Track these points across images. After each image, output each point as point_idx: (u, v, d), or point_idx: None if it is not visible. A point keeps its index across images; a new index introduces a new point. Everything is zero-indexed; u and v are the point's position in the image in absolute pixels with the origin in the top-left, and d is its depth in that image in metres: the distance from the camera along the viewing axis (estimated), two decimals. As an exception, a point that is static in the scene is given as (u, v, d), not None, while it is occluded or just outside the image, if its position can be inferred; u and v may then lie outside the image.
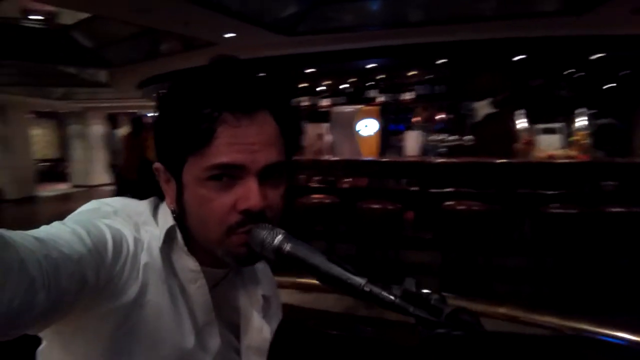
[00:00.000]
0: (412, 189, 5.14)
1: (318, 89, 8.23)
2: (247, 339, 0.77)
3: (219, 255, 0.67)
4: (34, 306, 0.45)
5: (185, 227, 0.69)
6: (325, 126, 5.44)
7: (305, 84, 7.97)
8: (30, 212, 9.79)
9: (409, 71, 6.62)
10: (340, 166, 5.27)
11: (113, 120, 13.93)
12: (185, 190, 0.66)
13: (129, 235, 0.63)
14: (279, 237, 0.61)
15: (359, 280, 0.58)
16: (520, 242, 4.26)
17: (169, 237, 0.68)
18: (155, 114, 0.68)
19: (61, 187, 13.34)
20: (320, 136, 5.34)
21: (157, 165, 0.70)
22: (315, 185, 5.46)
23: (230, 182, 0.63)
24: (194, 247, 0.69)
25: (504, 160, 4.78)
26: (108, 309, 0.59)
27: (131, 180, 6.25)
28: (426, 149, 5.67)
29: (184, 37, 5.57)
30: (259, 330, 0.77)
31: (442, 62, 5.96)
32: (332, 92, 8.15)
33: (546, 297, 3.48)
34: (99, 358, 0.61)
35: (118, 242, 0.61)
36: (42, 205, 10.78)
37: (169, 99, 0.67)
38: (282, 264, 0.64)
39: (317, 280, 0.63)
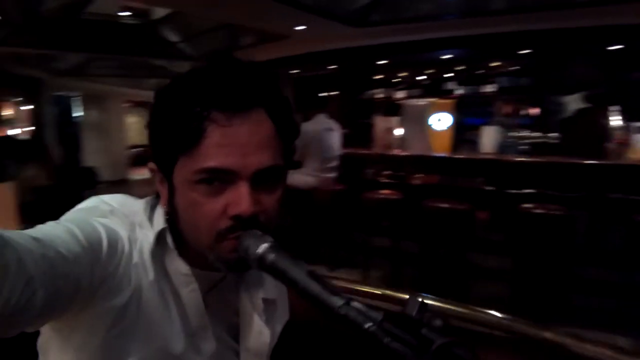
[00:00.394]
0: (487, 188, 4.83)
1: (393, 80, 8.05)
2: (246, 342, 0.76)
3: (210, 260, 0.65)
4: (32, 305, 0.46)
5: (177, 229, 0.68)
6: (395, 120, 5.28)
7: (380, 76, 7.82)
8: (122, 192, 10.67)
9: (491, 62, 6.21)
10: (409, 161, 5.10)
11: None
12: (176, 192, 0.65)
13: (124, 235, 0.64)
14: (264, 246, 0.58)
15: (336, 301, 0.52)
16: (607, 252, 3.85)
17: (160, 239, 0.67)
18: (150, 112, 0.67)
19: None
20: (389, 130, 5.20)
21: (151, 164, 0.69)
22: (383, 180, 5.34)
23: (221, 186, 0.62)
24: (187, 250, 0.68)
25: (595, 161, 4.33)
26: (102, 308, 0.60)
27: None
28: (505, 146, 5.30)
29: (258, 31, 5.69)
30: (259, 333, 0.76)
31: (528, 53, 5.51)
32: (408, 84, 7.92)
33: (633, 318, 3.10)
34: (93, 355, 0.62)
35: (113, 242, 0.61)
36: (133, 187, 11.71)
37: (163, 96, 0.65)
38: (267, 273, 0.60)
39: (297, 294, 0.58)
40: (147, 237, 0.66)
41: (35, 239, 0.49)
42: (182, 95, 0.63)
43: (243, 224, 0.61)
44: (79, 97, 11.41)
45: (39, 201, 4.72)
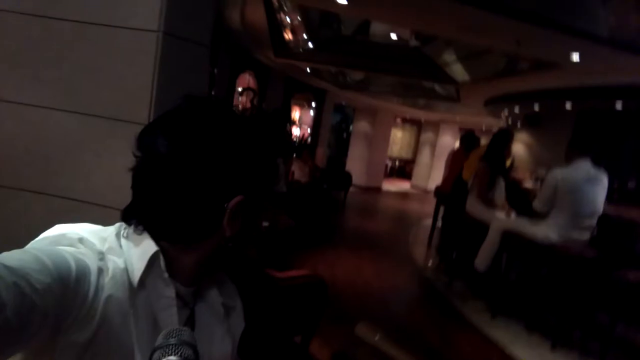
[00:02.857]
0: None
1: None
2: (209, 354, 0.75)
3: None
4: (4, 332, 0.46)
5: (168, 251, 0.69)
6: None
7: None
8: (373, 200, 11.49)
9: None
10: None
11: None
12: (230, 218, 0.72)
13: (92, 265, 0.61)
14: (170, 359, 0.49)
15: None
16: None
17: (151, 263, 0.66)
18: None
19: (403, 185, 15.00)
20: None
21: (237, 199, 0.70)
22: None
23: None
24: (176, 269, 0.70)
25: None
26: (68, 341, 0.58)
27: (444, 194, 6.33)
28: None
29: (528, 58, 5.11)
30: (221, 342, 0.78)
31: None
32: None
33: None
34: None
35: (81, 273, 0.59)
36: (383, 197, 12.43)
37: (237, 141, 0.71)
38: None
39: None
40: (117, 265, 0.64)
41: (7, 267, 0.49)
42: (262, 143, 0.73)
43: None
44: (353, 109, 12.80)
45: (291, 194, 5.46)
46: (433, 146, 14.52)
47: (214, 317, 0.78)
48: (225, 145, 0.68)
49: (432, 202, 7.41)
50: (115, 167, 1.48)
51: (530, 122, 7.98)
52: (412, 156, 16.47)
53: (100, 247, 0.65)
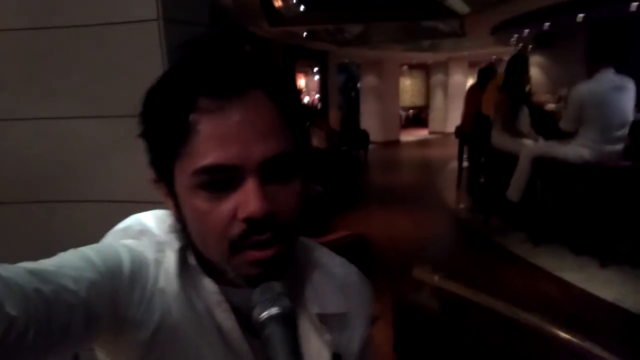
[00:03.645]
0: None
1: None
2: None
3: (230, 277, 0.56)
4: (25, 344, 0.42)
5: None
6: None
7: None
8: (393, 153, 11.40)
9: None
10: None
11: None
12: (180, 202, 0.56)
13: (150, 257, 0.59)
14: (271, 312, 0.47)
15: None
16: None
17: (182, 257, 0.60)
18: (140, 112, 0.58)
19: (421, 133, 14.79)
20: None
21: (150, 173, 0.59)
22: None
23: (226, 187, 0.52)
24: (214, 266, 0.59)
25: None
26: (130, 338, 0.56)
27: (466, 133, 6.23)
28: None
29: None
30: (317, 354, 0.64)
31: None
32: None
33: None
34: None
35: (137, 267, 0.56)
36: (403, 148, 12.31)
37: (151, 91, 0.56)
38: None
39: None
40: (170, 257, 0.59)
41: (32, 273, 0.45)
42: (165, 85, 0.54)
43: (258, 227, 0.52)
44: (358, 65, 12.52)
45: (312, 161, 5.45)
46: (445, 88, 14.19)
47: (309, 325, 0.65)
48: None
49: (453, 144, 7.31)
50: (145, 162, 1.50)
51: (542, 43, 7.69)
52: (425, 102, 16.16)
53: (162, 237, 0.61)
